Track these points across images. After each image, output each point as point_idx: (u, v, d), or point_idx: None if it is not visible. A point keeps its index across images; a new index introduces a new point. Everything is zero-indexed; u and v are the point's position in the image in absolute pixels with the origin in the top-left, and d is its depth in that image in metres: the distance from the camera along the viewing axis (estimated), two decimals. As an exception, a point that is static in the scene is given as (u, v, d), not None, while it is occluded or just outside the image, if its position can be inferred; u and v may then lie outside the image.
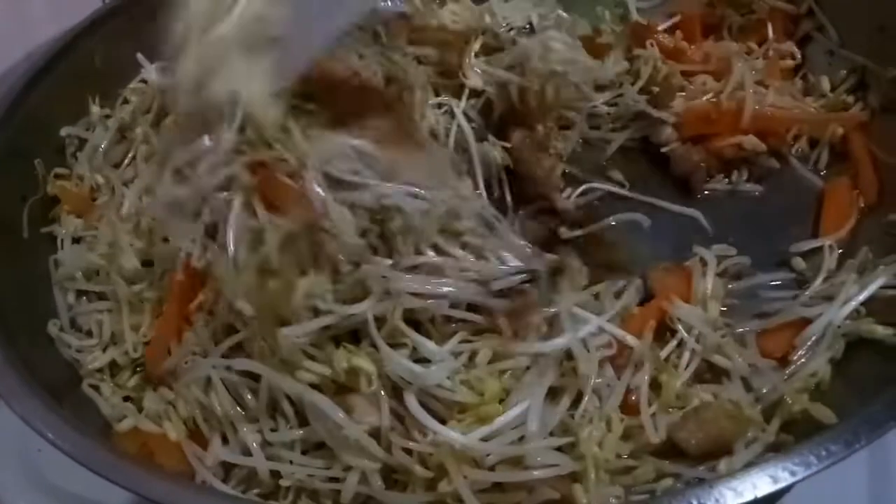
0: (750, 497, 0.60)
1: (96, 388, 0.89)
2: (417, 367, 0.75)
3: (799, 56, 1.14)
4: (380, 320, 0.77)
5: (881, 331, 0.82)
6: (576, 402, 0.77)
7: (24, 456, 1.01)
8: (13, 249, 0.97)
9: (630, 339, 0.80)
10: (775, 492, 0.62)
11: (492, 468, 0.72)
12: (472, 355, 0.78)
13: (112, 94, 1.16)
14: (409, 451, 0.74)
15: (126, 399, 0.88)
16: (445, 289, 0.78)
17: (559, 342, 0.76)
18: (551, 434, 0.75)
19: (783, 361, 0.84)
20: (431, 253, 0.81)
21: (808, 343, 0.84)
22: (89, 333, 0.94)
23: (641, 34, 1.14)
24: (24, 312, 0.91)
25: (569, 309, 0.79)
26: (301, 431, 0.78)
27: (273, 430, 0.78)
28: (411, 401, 0.75)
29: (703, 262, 0.91)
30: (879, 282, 0.85)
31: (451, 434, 0.72)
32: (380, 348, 0.75)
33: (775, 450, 0.73)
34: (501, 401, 0.76)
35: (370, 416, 0.76)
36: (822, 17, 1.13)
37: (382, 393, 0.76)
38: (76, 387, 0.89)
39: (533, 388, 0.75)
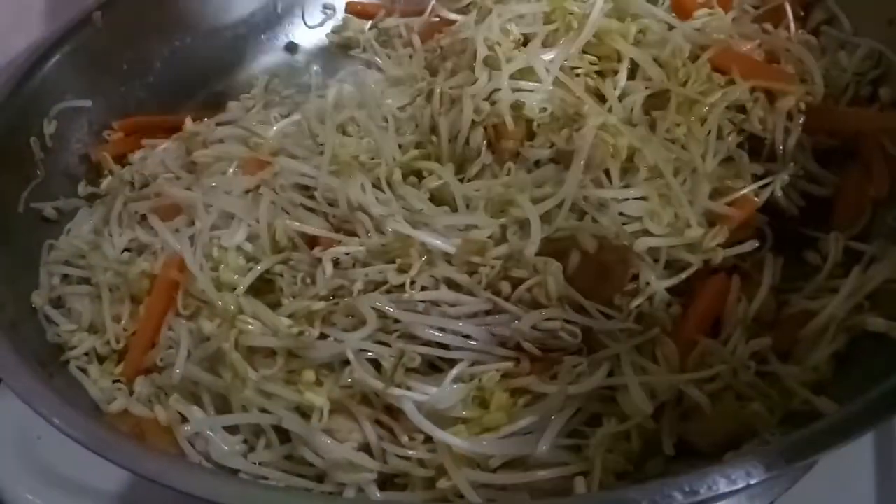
0: (742, 484, 0.59)
1: (84, 370, 0.89)
2: (421, 396, 0.75)
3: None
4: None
5: (885, 324, 0.80)
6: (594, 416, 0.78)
7: (23, 443, 1.00)
8: (7, 228, 0.97)
9: (696, 395, 0.77)
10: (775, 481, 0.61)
11: (495, 470, 0.73)
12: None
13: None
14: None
15: (116, 381, 0.88)
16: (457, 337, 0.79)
17: (578, 387, 0.76)
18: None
19: (787, 354, 0.83)
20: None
21: (812, 336, 0.83)
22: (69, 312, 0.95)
23: (687, 5, 1.13)
24: (18, 294, 0.92)
25: (628, 356, 0.78)
26: (283, 448, 0.78)
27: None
28: (409, 408, 0.74)
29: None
30: (883, 275, 0.84)
31: (450, 438, 0.72)
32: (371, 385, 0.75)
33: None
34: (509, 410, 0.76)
35: (355, 432, 0.76)
36: (833, 6, 1.11)
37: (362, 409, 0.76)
38: (63, 367, 0.89)
39: (550, 411, 0.75)
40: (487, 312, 0.81)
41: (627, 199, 0.89)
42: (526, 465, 0.74)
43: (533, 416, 0.75)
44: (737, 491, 0.59)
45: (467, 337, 0.79)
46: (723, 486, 0.60)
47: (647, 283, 0.85)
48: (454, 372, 0.77)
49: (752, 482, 0.60)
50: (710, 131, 0.96)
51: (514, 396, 0.77)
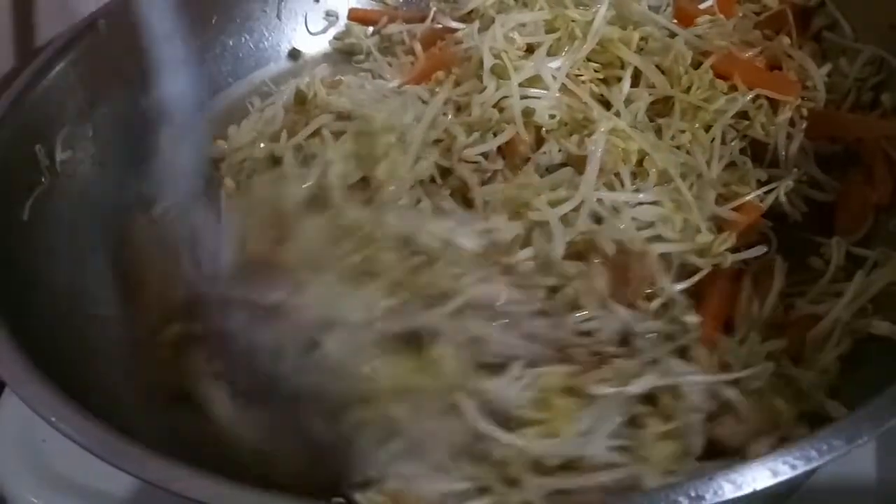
0: (749, 490, 0.59)
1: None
2: (494, 385, 0.75)
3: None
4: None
5: (888, 327, 0.81)
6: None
7: (28, 446, 1.00)
8: (11, 234, 0.97)
9: (731, 394, 0.77)
10: (786, 484, 0.61)
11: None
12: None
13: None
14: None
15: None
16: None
17: (634, 388, 0.76)
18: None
19: (797, 357, 0.83)
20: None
21: (819, 339, 0.83)
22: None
23: (689, 12, 1.14)
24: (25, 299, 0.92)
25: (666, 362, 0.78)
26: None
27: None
28: (471, 409, 0.74)
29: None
30: (886, 278, 0.84)
31: (514, 439, 0.72)
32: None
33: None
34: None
35: None
36: (834, 11, 1.12)
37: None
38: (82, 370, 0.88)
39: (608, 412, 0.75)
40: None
41: (641, 204, 0.89)
42: (580, 467, 0.74)
43: (592, 418, 0.75)
44: (744, 497, 0.60)
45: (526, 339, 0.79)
46: (728, 492, 0.60)
47: (662, 288, 0.85)
48: (515, 371, 0.76)
49: (758, 488, 0.60)
50: (713, 138, 0.97)
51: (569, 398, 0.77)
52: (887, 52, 1.04)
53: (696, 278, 0.88)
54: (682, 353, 0.82)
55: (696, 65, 1.03)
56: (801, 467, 0.61)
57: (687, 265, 0.89)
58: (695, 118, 0.98)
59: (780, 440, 0.74)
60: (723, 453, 0.76)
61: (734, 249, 0.91)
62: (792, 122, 1.01)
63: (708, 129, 0.98)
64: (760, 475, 0.61)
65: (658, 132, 0.97)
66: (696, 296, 0.88)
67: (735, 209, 0.93)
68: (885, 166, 0.98)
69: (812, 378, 0.80)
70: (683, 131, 0.97)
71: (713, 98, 0.99)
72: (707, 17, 1.12)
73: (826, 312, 0.84)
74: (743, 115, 1.01)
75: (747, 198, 0.94)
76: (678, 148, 0.96)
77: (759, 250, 0.91)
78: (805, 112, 1.02)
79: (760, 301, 0.87)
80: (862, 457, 0.89)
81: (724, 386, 0.78)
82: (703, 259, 0.89)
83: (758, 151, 1.01)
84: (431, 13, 1.27)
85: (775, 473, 0.60)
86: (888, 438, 0.89)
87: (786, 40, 1.09)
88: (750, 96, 1.00)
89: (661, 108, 1.01)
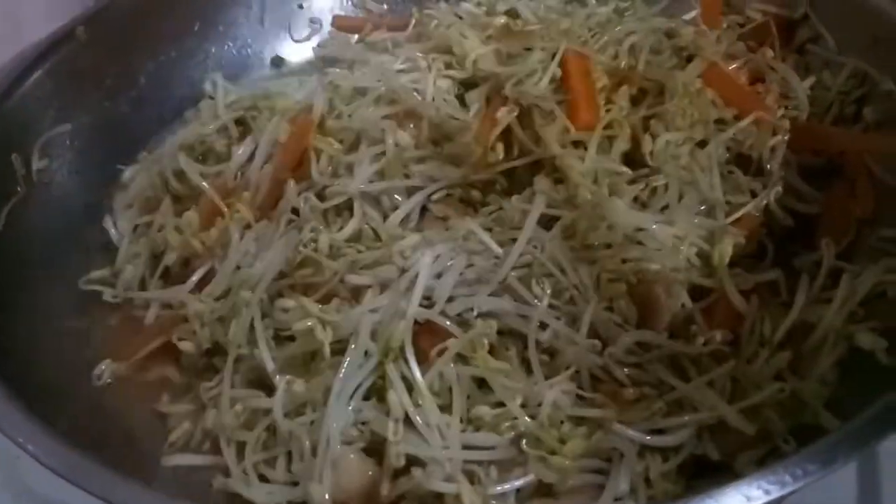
0: (723, 514, 0.59)
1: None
2: None
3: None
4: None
5: (870, 340, 0.79)
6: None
7: (2, 463, 0.99)
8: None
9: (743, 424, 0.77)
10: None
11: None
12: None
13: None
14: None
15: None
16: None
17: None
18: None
19: (795, 368, 0.82)
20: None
21: (814, 348, 0.82)
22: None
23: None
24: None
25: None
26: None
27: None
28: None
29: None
30: (873, 278, 0.84)
31: None
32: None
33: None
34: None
35: None
36: (818, 24, 1.12)
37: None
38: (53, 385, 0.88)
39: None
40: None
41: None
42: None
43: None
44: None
45: None
46: (702, 517, 0.60)
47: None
48: None
49: (733, 513, 0.60)
50: (710, 156, 0.97)
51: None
52: (870, 65, 1.03)
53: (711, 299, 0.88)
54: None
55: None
56: (776, 492, 0.61)
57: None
58: (689, 131, 0.98)
59: (767, 454, 0.74)
60: (711, 467, 0.77)
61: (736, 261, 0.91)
62: (774, 134, 1.01)
63: (702, 144, 0.98)
64: (734, 500, 0.60)
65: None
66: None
67: (734, 222, 0.94)
68: (867, 180, 0.98)
69: (812, 389, 0.79)
70: (680, 144, 0.97)
71: (701, 106, 0.99)
72: (692, 29, 1.12)
73: (819, 320, 0.83)
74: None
75: (744, 209, 0.95)
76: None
77: (776, 273, 0.91)
78: (787, 125, 1.01)
79: (771, 320, 0.85)
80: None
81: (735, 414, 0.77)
82: (711, 279, 0.89)
83: (742, 163, 1.01)
84: (412, 21, 1.26)
85: (749, 499, 0.60)
86: (868, 477, 0.90)
87: (769, 52, 1.09)
88: (745, 122, 1.00)
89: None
